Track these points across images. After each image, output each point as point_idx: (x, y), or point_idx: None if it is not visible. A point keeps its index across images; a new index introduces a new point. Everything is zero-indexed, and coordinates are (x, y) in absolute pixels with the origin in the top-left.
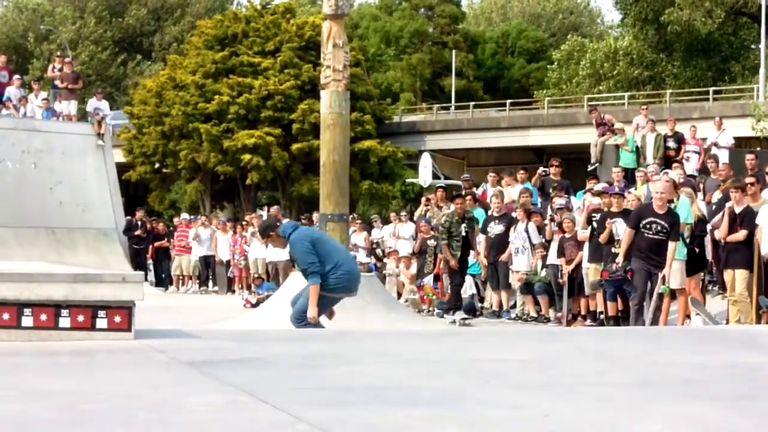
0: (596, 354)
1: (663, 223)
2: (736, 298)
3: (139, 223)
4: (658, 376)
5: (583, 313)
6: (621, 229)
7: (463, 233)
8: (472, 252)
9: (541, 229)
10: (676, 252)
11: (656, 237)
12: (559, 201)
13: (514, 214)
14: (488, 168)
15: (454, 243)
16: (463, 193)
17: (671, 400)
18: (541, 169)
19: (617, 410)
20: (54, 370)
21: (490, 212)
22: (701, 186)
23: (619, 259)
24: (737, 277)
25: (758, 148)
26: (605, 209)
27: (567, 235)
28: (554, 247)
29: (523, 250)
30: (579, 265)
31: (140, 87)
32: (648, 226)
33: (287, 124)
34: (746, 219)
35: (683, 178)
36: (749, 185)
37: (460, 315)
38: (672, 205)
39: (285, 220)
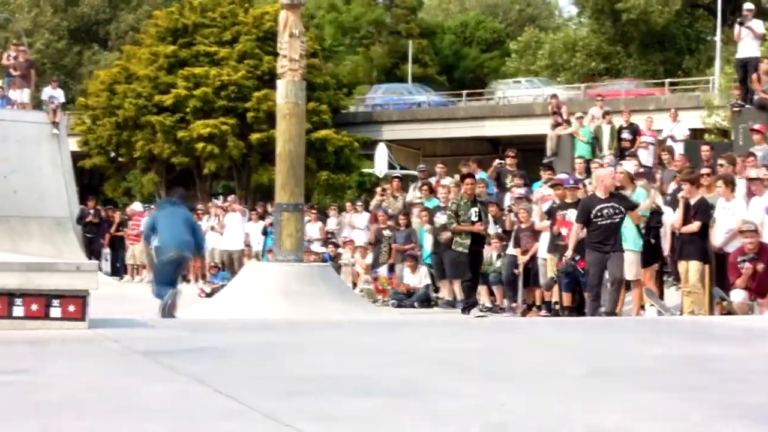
0: (552, 344)
1: (612, 204)
2: (690, 289)
3: (92, 211)
4: (613, 366)
5: (538, 303)
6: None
7: (473, 218)
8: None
9: (497, 220)
10: (632, 243)
11: (610, 221)
12: (518, 191)
13: None
14: (444, 158)
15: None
16: (420, 184)
17: (625, 390)
18: (497, 161)
19: (572, 400)
20: (8, 359)
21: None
22: (657, 177)
23: (568, 254)
24: (690, 269)
25: (711, 136)
26: (559, 201)
27: (523, 226)
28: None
29: None
30: (534, 256)
31: (94, 77)
32: (599, 213)
33: (242, 113)
34: (700, 210)
35: (640, 169)
36: (703, 176)
37: (475, 312)
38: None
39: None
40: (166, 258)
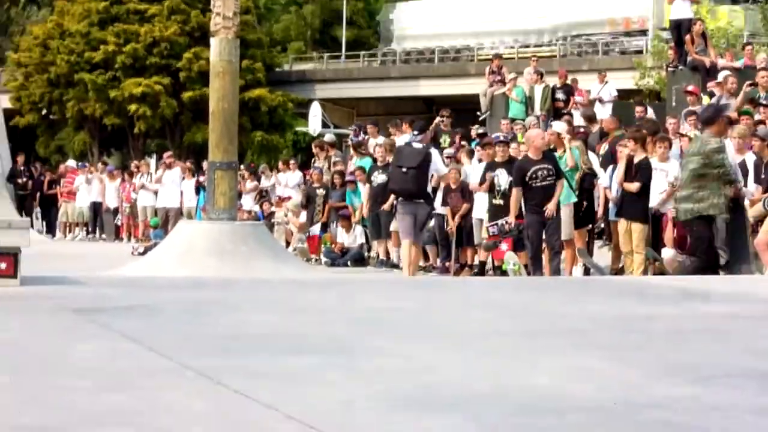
0: (486, 304)
1: (546, 166)
2: (633, 250)
3: (22, 169)
4: (547, 326)
5: (470, 263)
6: (503, 180)
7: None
8: None
9: None
10: (564, 197)
11: (545, 183)
12: (447, 150)
13: None
14: (378, 117)
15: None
16: (351, 143)
17: (558, 350)
18: (437, 119)
19: (506, 360)
20: None
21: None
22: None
23: (511, 219)
24: (633, 230)
25: (636, 98)
26: (489, 160)
27: (452, 186)
28: (439, 196)
29: None
30: (465, 215)
31: (27, 33)
32: (534, 176)
33: (175, 71)
34: (642, 170)
35: (581, 129)
36: (649, 137)
37: None
38: (557, 155)
39: None
40: None
